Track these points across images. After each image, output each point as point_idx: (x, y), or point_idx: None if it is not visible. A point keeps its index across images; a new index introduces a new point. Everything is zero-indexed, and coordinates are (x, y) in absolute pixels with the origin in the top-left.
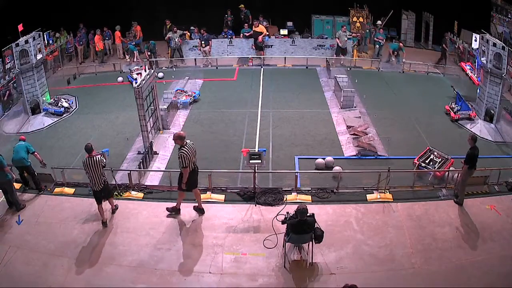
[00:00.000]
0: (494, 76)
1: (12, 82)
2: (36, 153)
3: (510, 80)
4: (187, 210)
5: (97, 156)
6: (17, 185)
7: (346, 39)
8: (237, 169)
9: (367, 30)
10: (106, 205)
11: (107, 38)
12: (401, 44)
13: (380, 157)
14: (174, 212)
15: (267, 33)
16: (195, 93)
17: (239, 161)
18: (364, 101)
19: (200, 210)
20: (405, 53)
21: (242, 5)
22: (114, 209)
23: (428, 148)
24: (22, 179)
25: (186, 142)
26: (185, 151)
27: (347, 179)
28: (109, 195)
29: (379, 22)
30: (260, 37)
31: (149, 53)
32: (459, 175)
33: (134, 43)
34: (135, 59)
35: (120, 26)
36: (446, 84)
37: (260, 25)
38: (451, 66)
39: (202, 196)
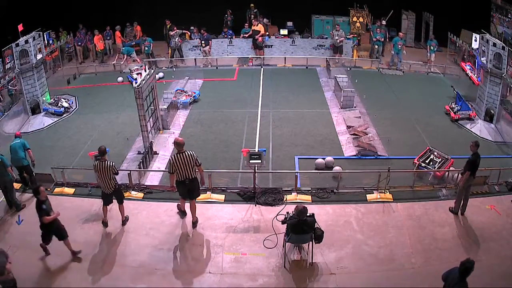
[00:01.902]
0: (494, 76)
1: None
2: (29, 150)
3: (510, 80)
4: (187, 210)
5: (108, 162)
6: (16, 185)
7: (338, 38)
8: (237, 169)
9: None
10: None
11: (108, 38)
12: (400, 34)
13: (380, 157)
14: (180, 212)
15: (267, 32)
16: (195, 93)
17: (239, 161)
18: (364, 101)
19: (194, 224)
20: (404, 46)
21: (253, 5)
22: (124, 220)
23: (428, 148)
24: (22, 179)
25: (184, 151)
26: (174, 158)
27: (347, 179)
28: (121, 200)
29: (383, 22)
30: (259, 37)
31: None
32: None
33: (134, 43)
34: (131, 61)
35: (120, 26)
36: (446, 84)
37: (259, 24)
38: (451, 66)
39: (202, 196)
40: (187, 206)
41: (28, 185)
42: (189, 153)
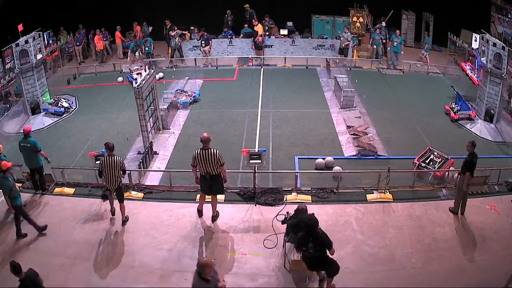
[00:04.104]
0: (494, 76)
1: None
2: (42, 152)
3: (510, 80)
4: (187, 210)
5: (117, 157)
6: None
7: (344, 40)
8: (237, 169)
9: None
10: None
11: (104, 39)
12: (397, 31)
13: (380, 157)
14: (197, 212)
15: (267, 33)
16: (195, 93)
17: (239, 161)
18: (364, 101)
19: (213, 218)
20: (403, 45)
21: (247, 5)
22: (124, 221)
23: (428, 148)
24: (33, 182)
25: (209, 148)
26: (197, 153)
27: (347, 179)
28: (121, 199)
29: (383, 23)
30: (259, 37)
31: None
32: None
33: (133, 43)
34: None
35: (120, 26)
36: (446, 84)
37: (258, 24)
38: (451, 66)
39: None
40: (205, 207)
41: (38, 188)
42: (213, 151)
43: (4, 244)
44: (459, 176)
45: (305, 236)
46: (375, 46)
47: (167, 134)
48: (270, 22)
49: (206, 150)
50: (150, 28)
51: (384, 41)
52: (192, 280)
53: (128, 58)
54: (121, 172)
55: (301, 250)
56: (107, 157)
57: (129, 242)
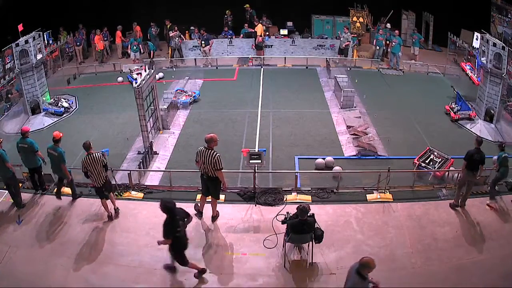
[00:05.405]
0: (494, 76)
1: None
2: (39, 152)
3: (510, 80)
4: (187, 210)
5: (96, 154)
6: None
7: (344, 41)
8: (237, 169)
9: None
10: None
11: (105, 39)
12: (396, 31)
13: (380, 157)
14: (198, 213)
15: (267, 33)
16: (195, 93)
17: (239, 161)
18: (364, 101)
19: (213, 218)
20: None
21: (248, 5)
22: (116, 209)
23: (428, 148)
24: (33, 182)
25: (211, 150)
26: (199, 150)
27: (347, 179)
28: (110, 190)
29: (388, 25)
30: (259, 37)
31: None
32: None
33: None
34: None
35: (121, 26)
36: (446, 84)
37: (259, 24)
38: (451, 66)
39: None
40: (205, 206)
41: (38, 188)
42: (212, 154)
43: (3, 244)
44: (459, 174)
45: (170, 220)
46: (378, 47)
47: (167, 134)
48: (268, 22)
49: (208, 150)
50: (157, 30)
51: (387, 42)
52: (348, 277)
53: (131, 56)
54: (103, 168)
55: (174, 233)
56: (88, 156)
57: (129, 242)
